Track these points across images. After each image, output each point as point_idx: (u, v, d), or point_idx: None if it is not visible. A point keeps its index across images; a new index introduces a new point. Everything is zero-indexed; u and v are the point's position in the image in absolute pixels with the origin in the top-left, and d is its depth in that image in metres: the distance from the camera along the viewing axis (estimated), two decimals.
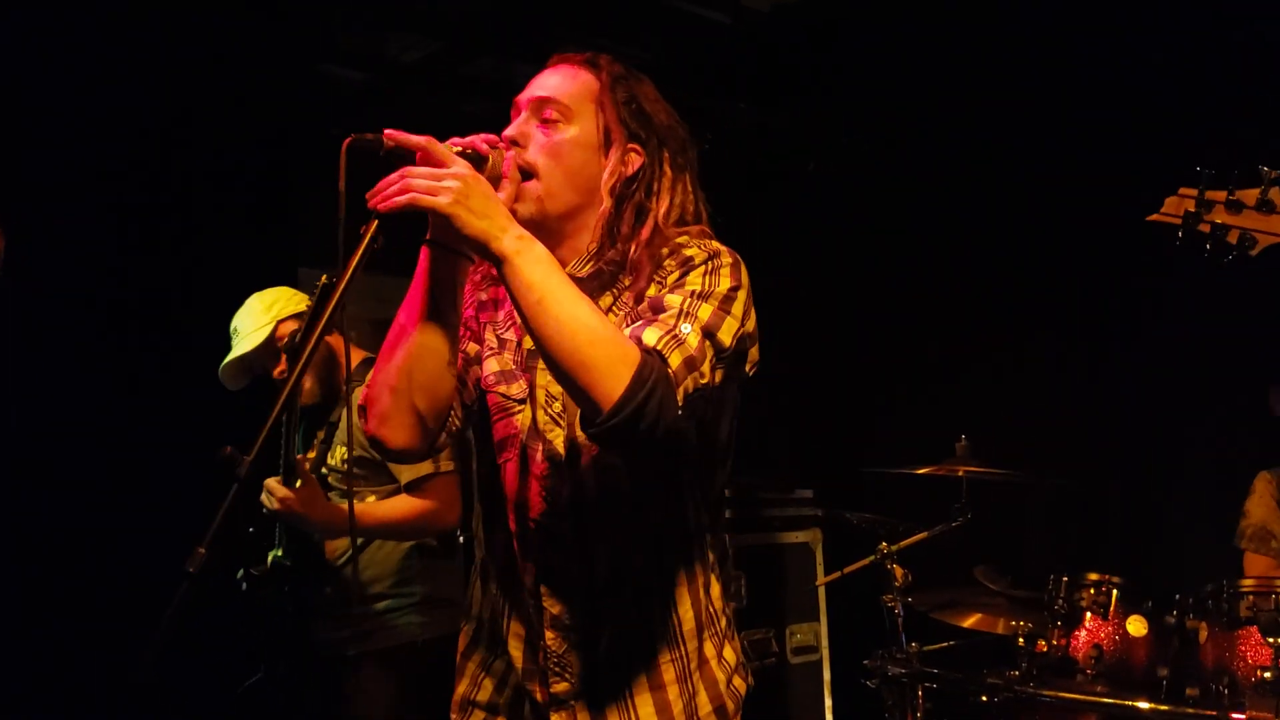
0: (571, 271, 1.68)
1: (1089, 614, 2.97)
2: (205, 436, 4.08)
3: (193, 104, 4.13)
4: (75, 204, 3.87)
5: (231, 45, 4.01)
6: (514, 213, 1.62)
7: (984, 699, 2.95)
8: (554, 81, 1.74)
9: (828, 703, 4.48)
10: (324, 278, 2.72)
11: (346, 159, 1.48)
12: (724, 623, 1.78)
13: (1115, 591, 2.98)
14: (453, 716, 1.84)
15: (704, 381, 1.53)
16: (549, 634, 1.70)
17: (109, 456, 3.85)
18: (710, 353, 1.55)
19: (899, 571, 3.26)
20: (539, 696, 1.72)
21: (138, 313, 4.04)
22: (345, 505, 2.83)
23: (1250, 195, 2.04)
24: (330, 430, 3.06)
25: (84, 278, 3.91)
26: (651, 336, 1.52)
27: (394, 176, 1.50)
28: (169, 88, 4.02)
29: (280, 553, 2.99)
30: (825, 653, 4.50)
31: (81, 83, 3.81)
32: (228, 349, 3.11)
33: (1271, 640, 2.65)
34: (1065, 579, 3.05)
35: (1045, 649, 2.97)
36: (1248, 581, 2.84)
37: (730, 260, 1.65)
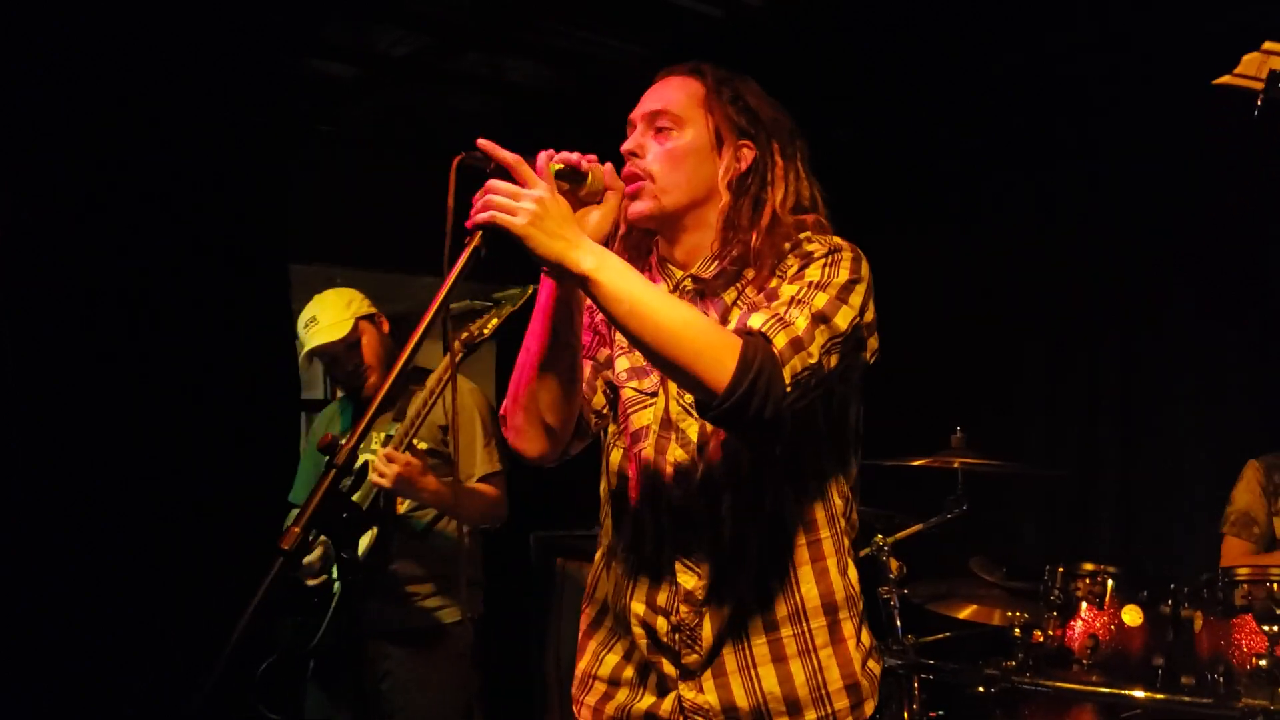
0: (697, 272, 1.80)
1: (1084, 604, 2.99)
2: (199, 433, 4.09)
3: (180, 100, 4.10)
4: (66, 202, 3.85)
5: (219, 40, 3.99)
6: (628, 213, 1.75)
7: (980, 690, 2.96)
8: (662, 94, 1.83)
9: None
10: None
11: (457, 177, 1.53)
12: (861, 605, 1.86)
13: (1110, 581, 2.99)
14: (574, 691, 1.93)
15: (812, 362, 1.59)
16: (682, 608, 1.78)
17: (104, 454, 3.84)
18: (822, 336, 1.61)
19: (894, 564, 3.27)
20: (667, 669, 1.80)
21: (127, 308, 4.02)
22: (444, 481, 3.09)
23: None
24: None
25: (74, 275, 3.89)
26: (757, 321, 1.61)
27: (481, 191, 1.56)
28: (156, 83, 4.00)
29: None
30: None
31: (71, 81, 3.79)
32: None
33: (1267, 628, 2.66)
34: (1060, 569, 3.07)
35: (1041, 639, 2.98)
36: (1242, 570, 2.85)
37: (851, 254, 1.73)
